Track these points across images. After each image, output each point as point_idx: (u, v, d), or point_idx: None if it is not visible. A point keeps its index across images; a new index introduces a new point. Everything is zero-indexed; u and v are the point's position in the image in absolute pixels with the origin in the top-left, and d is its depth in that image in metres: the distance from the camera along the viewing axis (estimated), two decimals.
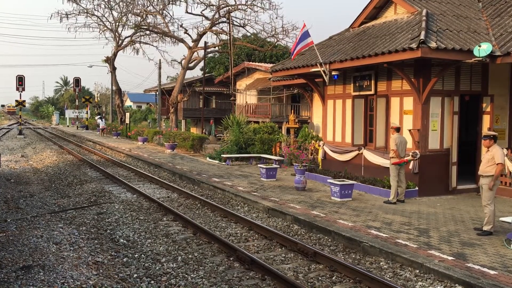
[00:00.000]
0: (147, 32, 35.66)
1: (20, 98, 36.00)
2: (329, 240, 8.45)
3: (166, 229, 9.13)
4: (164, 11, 33.95)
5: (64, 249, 7.66)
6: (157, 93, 40.87)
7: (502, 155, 8.23)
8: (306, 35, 13.79)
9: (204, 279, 6.50)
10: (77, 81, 50.39)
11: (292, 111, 27.08)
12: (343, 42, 14.67)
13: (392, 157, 11.17)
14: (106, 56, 42.61)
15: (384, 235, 8.17)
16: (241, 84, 34.23)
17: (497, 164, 8.13)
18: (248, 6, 31.13)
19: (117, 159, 20.99)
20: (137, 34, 37.29)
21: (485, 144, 8.51)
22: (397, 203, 10.99)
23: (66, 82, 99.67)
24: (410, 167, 11.86)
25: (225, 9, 31.86)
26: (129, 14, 35.58)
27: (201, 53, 34.01)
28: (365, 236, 8.04)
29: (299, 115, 27.61)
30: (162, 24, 34.19)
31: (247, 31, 34.29)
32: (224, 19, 32.03)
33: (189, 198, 12.27)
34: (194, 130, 40.67)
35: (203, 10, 34.34)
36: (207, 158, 20.51)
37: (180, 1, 32.73)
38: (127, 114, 38.00)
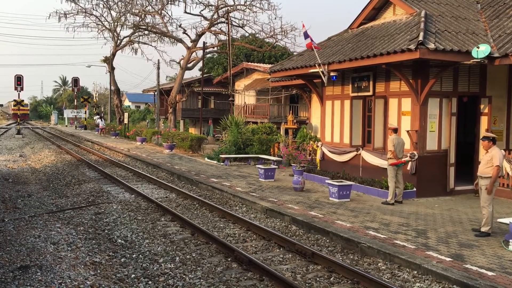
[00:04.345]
0: (146, 32, 35.62)
1: (19, 98, 36.00)
2: (327, 241, 8.45)
3: (164, 230, 9.12)
4: (163, 11, 33.93)
5: (62, 249, 7.65)
6: (156, 93, 40.85)
7: (501, 157, 8.24)
8: (306, 35, 13.83)
9: (202, 280, 6.49)
10: (75, 81, 50.41)
11: (291, 111, 27.07)
12: (341, 43, 14.68)
13: (390, 158, 11.17)
14: (104, 56, 42.62)
15: (382, 236, 8.17)
16: (240, 84, 34.23)
17: (495, 166, 8.15)
18: (247, 7, 31.13)
19: (115, 159, 20.96)
20: (135, 34, 37.25)
21: (484, 145, 8.52)
22: (395, 204, 11.00)
23: (64, 82, 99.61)
24: (408, 168, 11.87)
25: (224, 9, 31.86)
26: (128, 14, 35.53)
27: (200, 53, 34.03)
28: (363, 237, 8.04)
29: (298, 116, 27.62)
30: (160, 24, 34.17)
31: (246, 31, 34.22)
32: (223, 20, 32.03)
33: (187, 198, 12.26)
34: (192, 131, 40.64)
35: (202, 10, 34.29)
36: (206, 159, 20.51)
37: (179, 1, 32.74)
38: (126, 114, 37.94)
